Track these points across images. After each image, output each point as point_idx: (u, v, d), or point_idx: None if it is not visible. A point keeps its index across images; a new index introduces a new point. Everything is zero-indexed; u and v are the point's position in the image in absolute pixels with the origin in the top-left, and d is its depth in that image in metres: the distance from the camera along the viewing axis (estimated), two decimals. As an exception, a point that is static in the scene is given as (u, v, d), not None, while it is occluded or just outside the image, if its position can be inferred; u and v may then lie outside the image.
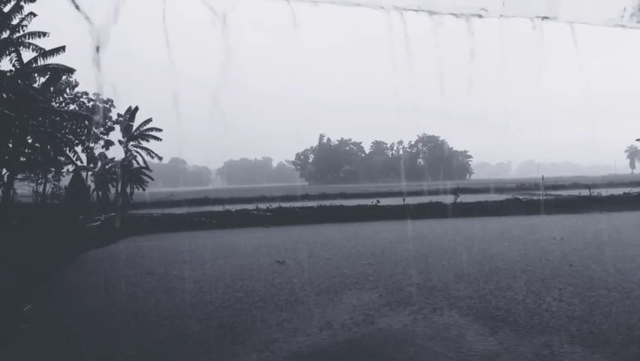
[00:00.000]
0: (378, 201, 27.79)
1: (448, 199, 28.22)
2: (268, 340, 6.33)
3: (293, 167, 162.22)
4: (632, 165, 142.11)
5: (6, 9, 21.80)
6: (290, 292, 8.98)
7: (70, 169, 30.62)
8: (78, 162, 31.60)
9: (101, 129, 38.27)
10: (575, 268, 10.32)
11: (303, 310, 7.75)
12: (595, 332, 6.11)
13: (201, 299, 8.69)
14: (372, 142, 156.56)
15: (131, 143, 39.36)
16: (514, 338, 6.03)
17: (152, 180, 42.64)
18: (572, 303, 7.53)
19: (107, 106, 39.49)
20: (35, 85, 25.48)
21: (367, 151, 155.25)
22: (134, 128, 39.12)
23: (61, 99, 32.84)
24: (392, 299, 8.18)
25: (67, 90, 32.94)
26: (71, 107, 33.23)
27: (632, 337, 5.92)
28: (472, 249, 13.47)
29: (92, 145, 36.93)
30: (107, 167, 38.79)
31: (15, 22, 22.50)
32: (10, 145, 23.99)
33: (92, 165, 37.24)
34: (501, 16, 2.74)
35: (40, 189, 31.48)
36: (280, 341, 6.26)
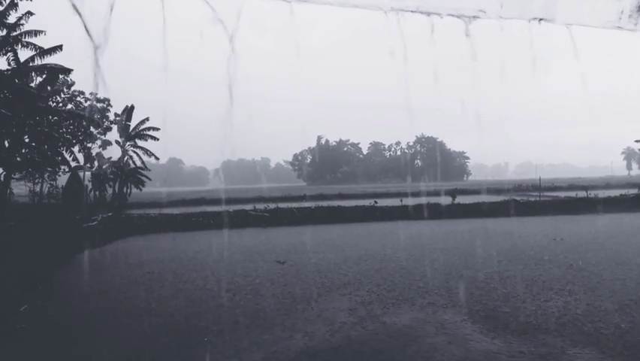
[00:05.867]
0: (376, 202, 27.80)
1: (446, 200, 28.26)
2: (273, 338, 6.32)
3: (291, 167, 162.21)
4: (629, 167, 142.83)
5: (1, 7, 21.71)
6: (292, 292, 8.96)
7: (67, 169, 30.54)
8: (75, 162, 31.55)
9: (99, 129, 38.23)
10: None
11: (306, 308, 7.74)
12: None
13: (203, 299, 8.67)
14: (370, 143, 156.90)
15: (128, 143, 39.31)
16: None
17: (150, 180, 42.53)
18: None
19: (105, 105, 39.43)
20: (32, 84, 25.40)
21: (365, 152, 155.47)
22: (132, 127, 39.05)
23: (59, 99, 32.75)
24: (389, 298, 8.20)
25: (64, 89, 32.85)
26: (68, 106, 33.16)
27: (628, 338, 5.93)
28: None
29: (89, 145, 36.86)
30: (104, 167, 38.75)
31: (11, 20, 22.42)
32: (7, 144, 23.90)
33: (89, 165, 37.18)
34: (499, 17, 2.74)
35: (37, 188, 31.38)
36: (285, 340, 6.25)
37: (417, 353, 5.71)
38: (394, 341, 6.14)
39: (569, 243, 14.43)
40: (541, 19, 2.86)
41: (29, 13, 22.78)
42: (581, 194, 31.20)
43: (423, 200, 29.81)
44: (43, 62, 23.70)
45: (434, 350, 5.78)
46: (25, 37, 23.02)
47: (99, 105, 38.17)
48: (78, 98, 35.13)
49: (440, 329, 6.57)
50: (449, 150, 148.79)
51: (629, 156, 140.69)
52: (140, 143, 39.83)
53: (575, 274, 9.81)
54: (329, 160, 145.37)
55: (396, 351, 5.81)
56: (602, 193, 32.15)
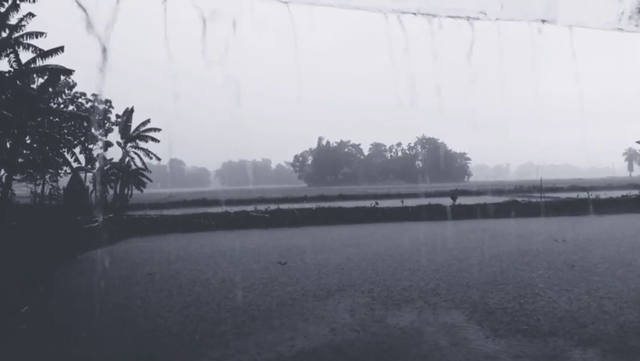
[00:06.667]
0: (377, 203, 27.78)
1: (447, 201, 28.25)
2: (275, 339, 6.31)
3: (292, 169, 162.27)
4: (630, 168, 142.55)
5: (3, 9, 21.76)
6: (293, 293, 8.96)
7: (69, 170, 30.61)
8: (76, 163, 31.61)
9: (100, 131, 38.33)
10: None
11: (308, 309, 7.73)
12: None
13: (204, 300, 8.67)
14: (371, 144, 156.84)
15: (129, 144, 39.39)
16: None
17: (151, 181, 42.64)
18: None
19: (106, 107, 39.53)
20: (34, 85, 25.46)
21: (366, 153, 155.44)
22: (133, 129, 39.14)
23: (60, 100, 32.83)
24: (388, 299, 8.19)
25: (66, 91, 32.94)
26: (70, 107, 33.25)
27: (629, 340, 5.92)
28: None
29: (90, 146, 36.97)
30: (105, 168, 38.81)
31: (13, 22, 22.48)
32: (9, 145, 23.96)
33: (90, 166, 37.25)
34: (499, 19, 2.75)
35: (39, 190, 31.43)
36: (287, 341, 6.24)
37: (419, 354, 5.70)
38: (396, 343, 6.14)
39: (571, 244, 14.41)
40: (542, 21, 2.86)
41: (30, 15, 22.84)
42: (583, 195, 31.14)
43: (424, 201, 29.80)
44: (45, 63, 23.76)
45: (436, 351, 5.77)
46: (26, 39, 23.08)
47: (101, 107, 38.27)
48: (79, 100, 35.22)
49: (442, 330, 6.56)
50: (450, 150, 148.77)
51: (631, 157, 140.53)
52: (141, 144, 39.94)
53: (576, 275, 9.79)
54: (330, 161, 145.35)
55: (399, 353, 5.80)
56: (604, 194, 32.08)
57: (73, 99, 34.50)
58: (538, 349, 5.72)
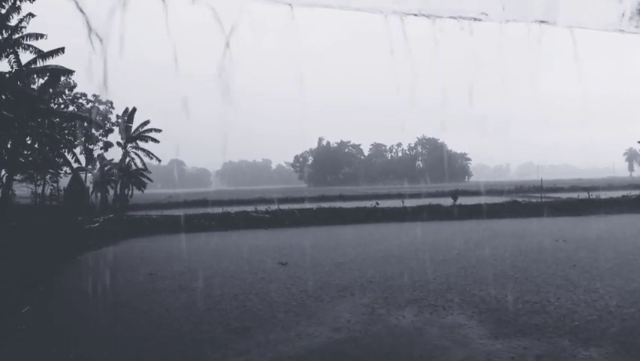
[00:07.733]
0: (378, 204, 27.79)
1: (447, 202, 28.26)
2: (277, 339, 6.31)
3: (292, 169, 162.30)
4: (631, 168, 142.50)
5: (3, 10, 21.76)
6: (294, 293, 8.96)
7: (69, 171, 30.61)
8: (76, 164, 31.63)
9: (100, 131, 38.35)
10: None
11: (310, 309, 7.73)
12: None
13: (204, 300, 8.67)
14: (372, 144, 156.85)
15: (130, 144, 39.39)
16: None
17: (151, 181, 42.66)
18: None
19: (107, 108, 39.54)
20: (34, 86, 25.47)
21: (366, 153, 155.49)
22: (133, 129, 39.13)
23: (61, 101, 32.84)
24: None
25: (66, 91, 32.95)
26: (70, 108, 33.26)
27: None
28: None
29: (90, 147, 37.00)
30: (105, 168, 38.84)
31: (13, 23, 22.49)
32: (9, 146, 23.97)
33: (90, 167, 37.29)
34: (501, 20, 2.75)
35: (39, 190, 31.44)
36: (289, 341, 6.24)
37: (420, 354, 5.70)
38: (398, 343, 6.14)
39: (572, 244, 14.41)
40: (542, 22, 2.86)
41: (30, 15, 22.84)
42: (583, 195, 31.11)
43: (425, 201, 29.81)
44: (45, 64, 23.76)
45: (438, 351, 5.77)
46: (26, 40, 23.08)
47: (101, 107, 38.29)
48: (80, 100, 35.23)
49: (444, 329, 6.56)
50: (451, 151, 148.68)
51: (631, 157, 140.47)
52: (141, 145, 39.95)
53: (578, 275, 9.79)
54: (330, 161, 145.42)
55: (400, 353, 5.80)
56: (604, 194, 32.07)
57: (73, 100, 34.50)
58: (541, 348, 5.72)
